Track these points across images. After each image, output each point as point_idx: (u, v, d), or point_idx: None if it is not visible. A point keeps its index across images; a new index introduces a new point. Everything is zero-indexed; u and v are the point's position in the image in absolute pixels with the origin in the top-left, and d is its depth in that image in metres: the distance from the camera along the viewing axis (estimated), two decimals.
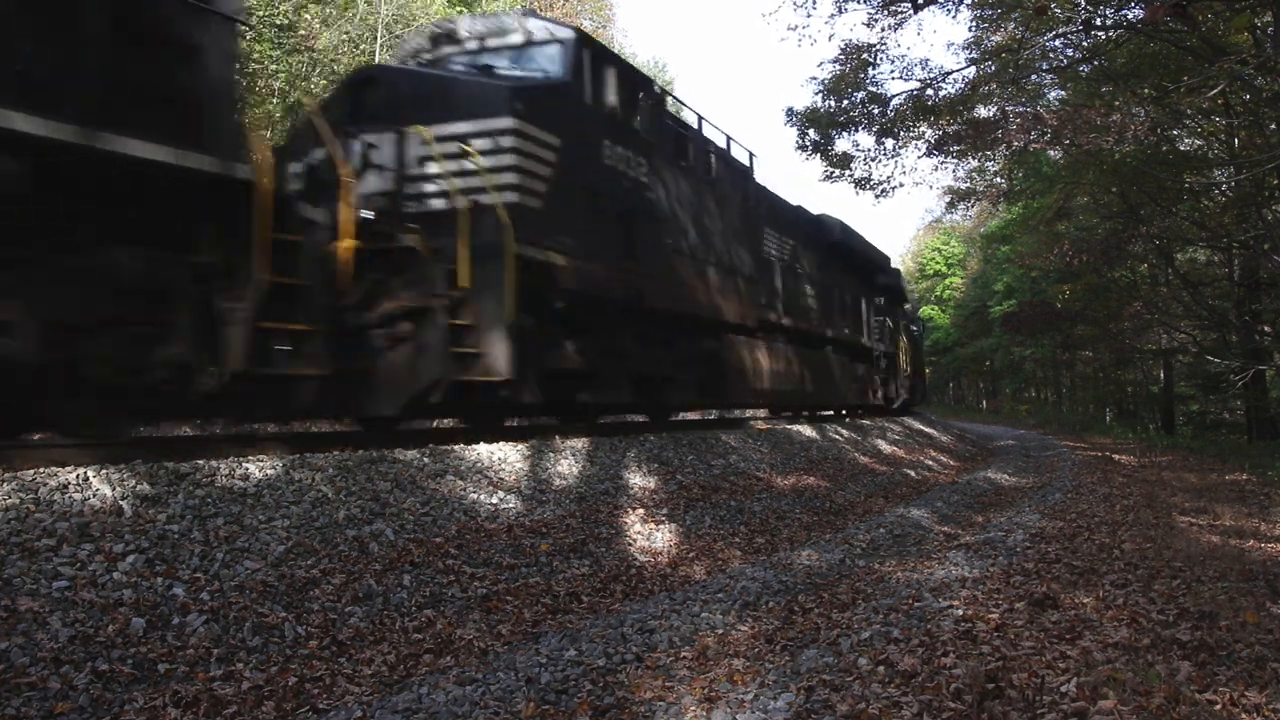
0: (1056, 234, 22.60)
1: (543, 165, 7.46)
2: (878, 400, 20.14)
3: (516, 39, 8.36)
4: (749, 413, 15.70)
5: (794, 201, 17.84)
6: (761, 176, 17.51)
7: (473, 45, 8.49)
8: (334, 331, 5.71)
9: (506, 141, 7.16)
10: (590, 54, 8.49)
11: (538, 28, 8.37)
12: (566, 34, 8.32)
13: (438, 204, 7.11)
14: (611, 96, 8.68)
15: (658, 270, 9.37)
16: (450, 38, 8.59)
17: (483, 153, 7.07)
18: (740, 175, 12.51)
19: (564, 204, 7.71)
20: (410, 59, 8.80)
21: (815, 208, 21.59)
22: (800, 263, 14.83)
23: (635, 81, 9.50)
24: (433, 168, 7.10)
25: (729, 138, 12.34)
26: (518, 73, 8.19)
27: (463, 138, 7.13)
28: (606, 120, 8.65)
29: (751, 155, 13.02)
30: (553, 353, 7.67)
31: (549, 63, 8.17)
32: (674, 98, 15.15)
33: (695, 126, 11.28)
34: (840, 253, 17.23)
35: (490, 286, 6.72)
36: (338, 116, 7.37)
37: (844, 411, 18.42)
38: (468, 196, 6.90)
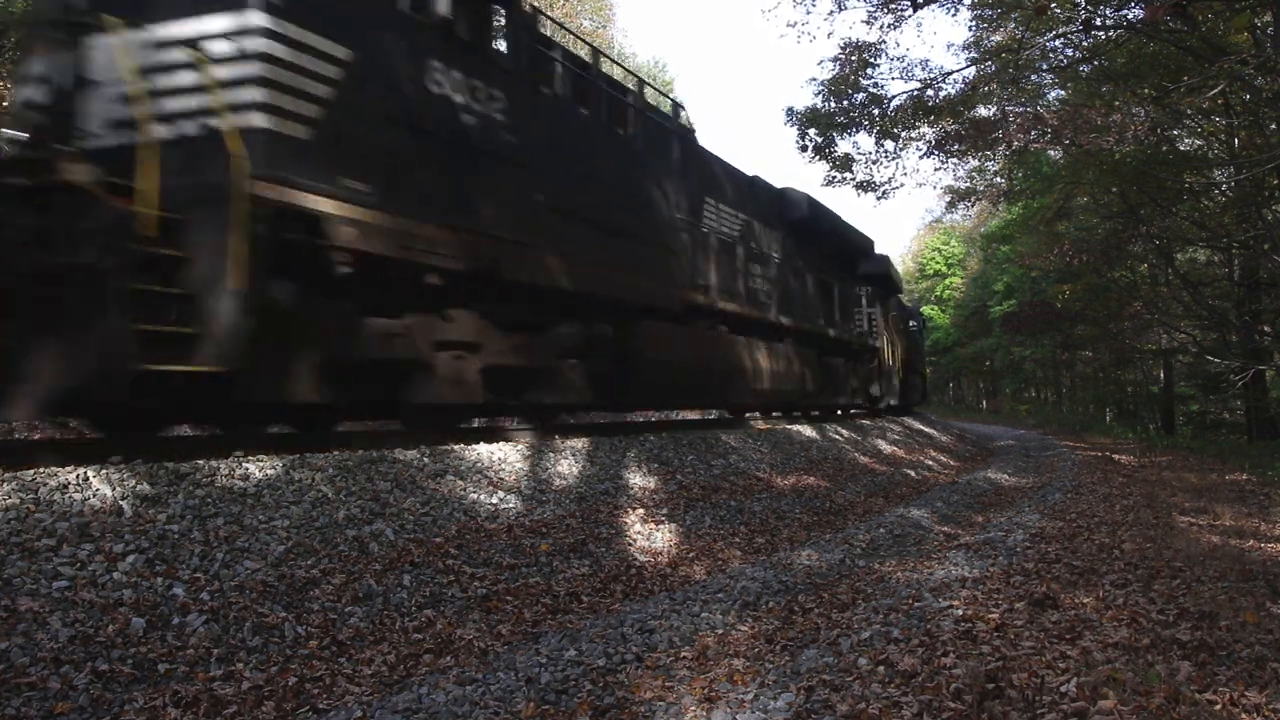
0: (1056, 234, 22.61)
1: (317, 83, 5.68)
2: (859, 400, 18.49)
3: None
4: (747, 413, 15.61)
5: None
6: (756, 167, 16.12)
7: None
8: None
9: (252, 45, 5.36)
10: None
11: None
12: None
13: (162, 131, 5.34)
14: (444, 6, 6.80)
15: (523, 234, 7.50)
16: None
17: (221, 61, 5.37)
18: (665, 132, 10.44)
19: (355, 137, 5.96)
20: None
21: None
22: (754, 241, 12.80)
23: None
24: (150, 81, 5.41)
25: (643, 81, 10.52)
26: None
27: (193, 41, 5.42)
28: (438, 36, 6.80)
29: (678, 105, 11.45)
30: (340, 338, 6.01)
31: None
32: (562, 26, 13.08)
33: (592, 63, 9.46)
34: (808, 232, 14.91)
35: (209, 241, 5.07)
36: (51, 17, 5.74)
37: (815, 412, 17.06)
38: (196, 120, 5.35)
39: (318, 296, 5.80)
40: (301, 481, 5.05)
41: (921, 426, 20.46)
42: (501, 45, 8.13)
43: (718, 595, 5.01)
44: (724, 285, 11.55)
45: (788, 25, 28.01)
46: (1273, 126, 14.96)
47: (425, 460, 6.09)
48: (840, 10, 16.46)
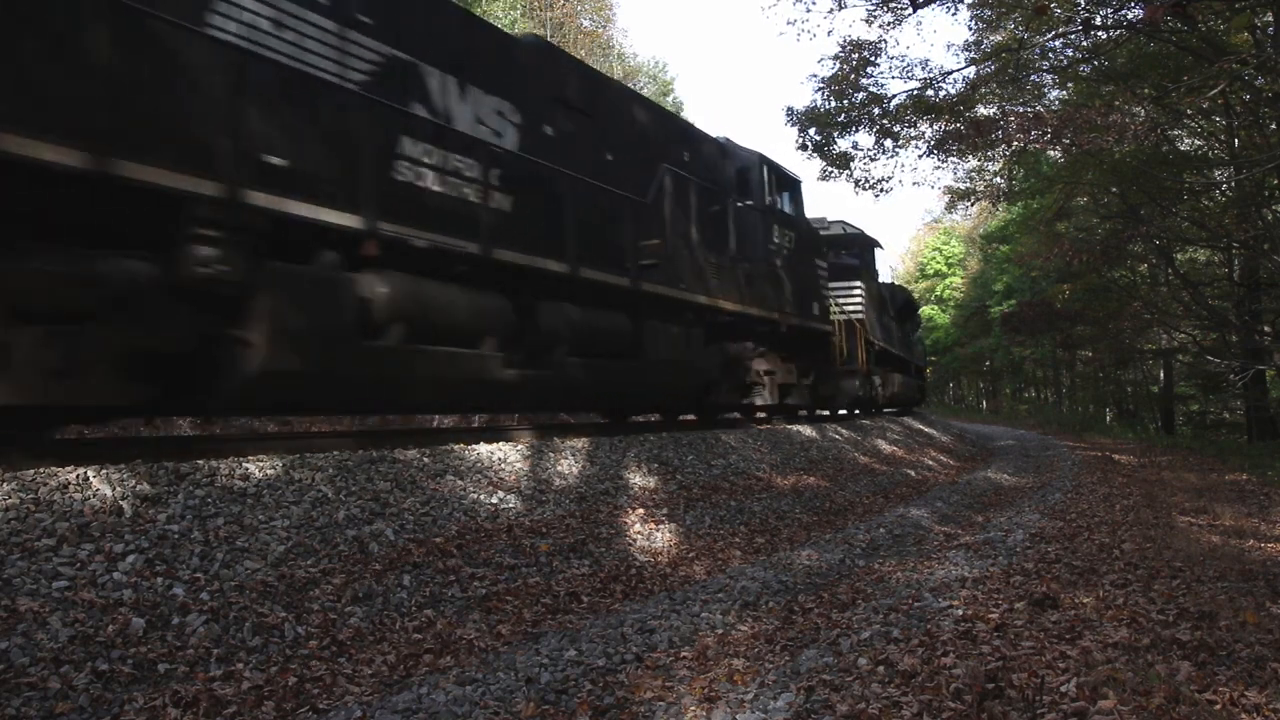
0: (1056, 234, 22.61)
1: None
2: None
3: None
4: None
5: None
6: None
7: None
8: None
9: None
10: None
11: None
12: None
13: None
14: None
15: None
16: None
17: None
18: None
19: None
20: None
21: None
22: None
23: None
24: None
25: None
26: None
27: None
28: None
29: None
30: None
31: None
32: None
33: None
34: None
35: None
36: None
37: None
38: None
39: None
40: (301, 481, 5.05)
41: (921, 426, 20.45)
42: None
43: (718, 595, 5.01)
44: None
45: (787, 23, 28.18)
46: (1273, 126, 14.97)
47: (425, 460, 6.09)
48: (840, 8, 16.43)
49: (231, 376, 5.21)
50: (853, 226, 17.81)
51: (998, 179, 21.96)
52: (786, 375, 12.87)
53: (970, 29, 18.48)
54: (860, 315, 16.33)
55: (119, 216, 4.77)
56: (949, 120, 16.36)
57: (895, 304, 22.02)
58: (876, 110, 17.00)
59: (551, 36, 30.98)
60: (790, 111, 17.94)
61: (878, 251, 20.06)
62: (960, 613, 3.98)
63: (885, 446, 14.83)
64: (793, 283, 12.66)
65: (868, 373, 16.51)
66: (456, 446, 6.66)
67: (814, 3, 35.24)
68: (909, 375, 23.09)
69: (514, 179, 7.32)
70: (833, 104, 17.29)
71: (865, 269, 17.86)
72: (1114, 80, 15.37)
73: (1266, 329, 18.34)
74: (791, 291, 12.59)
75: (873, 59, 16.34)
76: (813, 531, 7.76)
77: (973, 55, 18.00)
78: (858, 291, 16.70)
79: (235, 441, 5.66)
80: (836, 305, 15.53)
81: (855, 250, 18.12)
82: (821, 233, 16.91)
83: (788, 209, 12.88)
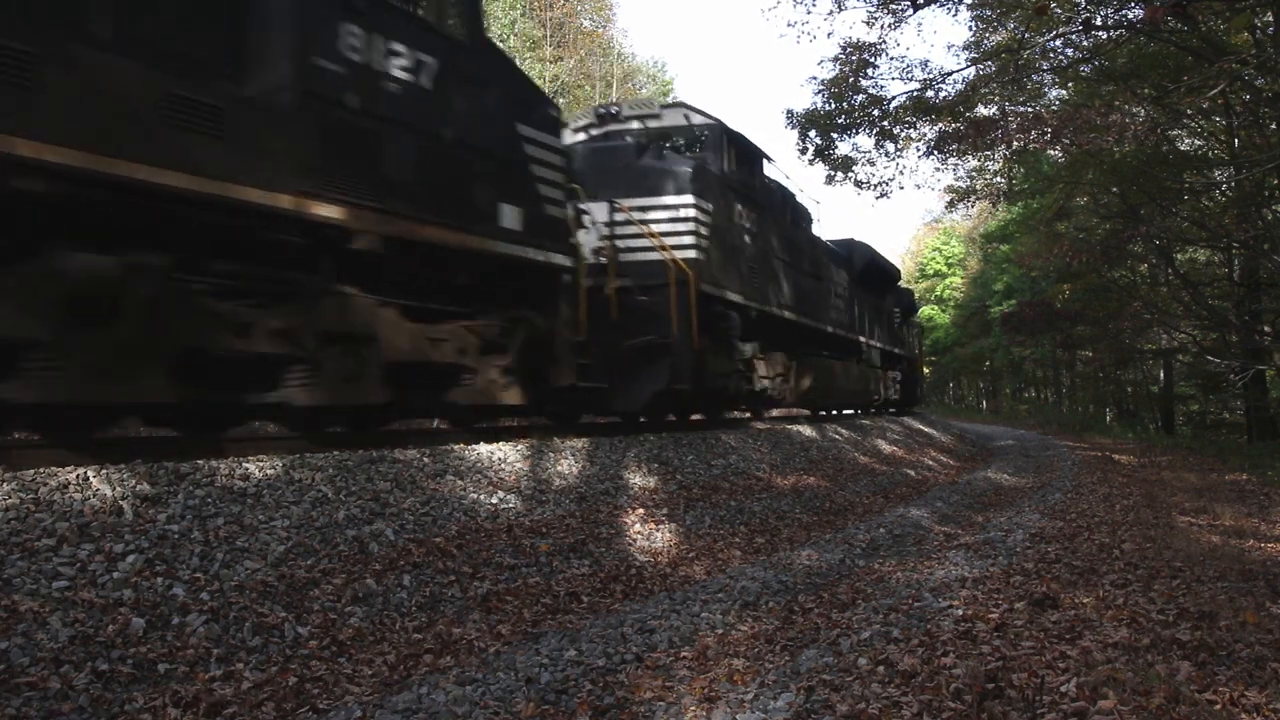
0: (1056, 234, 22.64)
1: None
2: None
3: None
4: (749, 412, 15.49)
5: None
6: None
7: None
8: None
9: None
10: None
11: None
12: None
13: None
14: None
15: None
16: None
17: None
18: None
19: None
20: None
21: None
22: None
23: None
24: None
25: None
26: None
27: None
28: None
29: None
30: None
31: None
32: None
33: None
34: None
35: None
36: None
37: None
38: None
39: None
40: (301, 481, 5.05)
41: (921, 426, 20.47)
42: None
43: (718, 595, 5.01)
44: None
45: (788, 25, 28.19)
46: (1273, 126, 14.99)
47: (425, 460, 6.09)
48: (840, 10, 16.47)
49: None
50: (704, 113, 11.26)
51: (998, 179, 21.99)
52: (426, 349, 6.62)
53: (970, 29, 18.51)
54: (691, 254, 9.92)
55: None
56: (949, 120, 16.37)
57: (853, 266, 16.82)
58: (876, 112, 17.00)
59: (551, 36, 30.99)
60: (790, 114, 17.95)
61: (768, 165, 12.71)
62: (960, 613, 3.98)
63: (885, 446, 14.84)
64: (425, 155, 6.36)
65: (699, 350, 9.96)
66: (456, 446, 6.66)
67: (814, 5, 35.36)
68: (875, 366, 18.57)
69: None
70: (832, 106, 17.29)
71: (715, 181, 10.71)
72: (1114, 80, 15.40)
73: (1266, 329, 18.36)
74: (416, 172, 6.28)
75: (872, 60, 16.35)
76: (813, 531, 7.76)
77: (973, 55, 18.02)
78: (688, 213, 10.04)
79: (235, 441, 5.66)
80: (629, 230, 9.87)
81: (708, 153, 10.97)
82: (650, 124, 11.16)
83: (421, 10, 6.49)
